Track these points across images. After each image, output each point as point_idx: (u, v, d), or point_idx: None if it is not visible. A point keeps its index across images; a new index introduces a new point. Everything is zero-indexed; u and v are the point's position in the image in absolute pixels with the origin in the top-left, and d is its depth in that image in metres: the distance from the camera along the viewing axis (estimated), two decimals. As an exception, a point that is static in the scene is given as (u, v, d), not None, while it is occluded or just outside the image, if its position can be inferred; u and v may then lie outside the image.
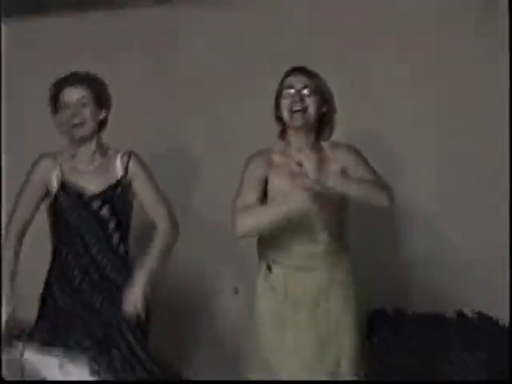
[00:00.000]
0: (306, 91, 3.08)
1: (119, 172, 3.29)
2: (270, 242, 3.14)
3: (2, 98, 4.51)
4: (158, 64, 4.50)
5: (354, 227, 3.26)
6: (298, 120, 3.07)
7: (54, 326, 3.19)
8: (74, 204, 3.21)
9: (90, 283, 3.22)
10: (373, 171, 3.11)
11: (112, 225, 3.27)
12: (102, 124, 3.29)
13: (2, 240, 3.24)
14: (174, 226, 3.33)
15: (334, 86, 3.16)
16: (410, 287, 4.33)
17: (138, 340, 3.20)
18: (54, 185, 3.25)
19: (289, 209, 2.93)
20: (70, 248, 3.23)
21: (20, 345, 3.13)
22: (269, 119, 3.21)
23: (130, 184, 3.31)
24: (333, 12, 4.27)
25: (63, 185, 3.24)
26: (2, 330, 2.97)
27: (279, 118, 3.15)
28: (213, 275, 4.40)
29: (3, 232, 3.28)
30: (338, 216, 3.11)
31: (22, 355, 3.09)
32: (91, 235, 3.22)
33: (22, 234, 3.29)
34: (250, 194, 3.05)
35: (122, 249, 3.31)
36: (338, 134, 3.20)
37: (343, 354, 3.12)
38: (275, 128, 3.19)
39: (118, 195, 3.28)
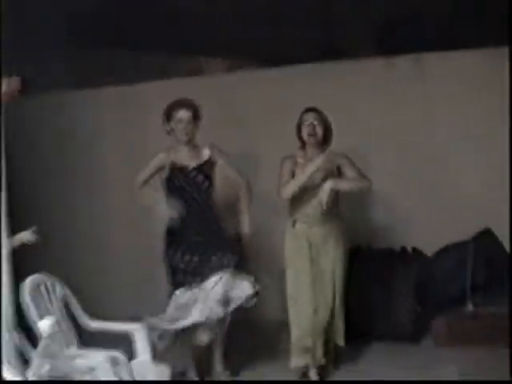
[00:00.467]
0: (316, 123, 4.96)
1: (206, 156, 5.01)
2: (294, 208, 4.99)
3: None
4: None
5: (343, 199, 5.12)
6: (311, 140, 4.97)
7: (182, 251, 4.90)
8: (179, 175, 4.95)
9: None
10: (357, 168, 4.96)
11: (204, 186, 4.98)
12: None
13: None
14: (248, 183, 5.11)
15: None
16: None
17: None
18: (169, 162, 4.95)
19: (307, 172, 4.78)
20: (180, 201, 4.90)
21: None
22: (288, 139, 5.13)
23: (214, 162, 4.99)
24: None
25: (173, 163, 4.95)
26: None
27: (300, 137, 5.02)
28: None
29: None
30: (333, 195, 4.88)
31: None
32: (192, 192, 4.94)
33: (143, 184, 5.01)
34: (286, 178, 4.90)
35: (210, 201, 5.02)
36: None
37: (336, 277, 4.95)
38: (297, 143, 5.06)
39: (208, 167, 4.99)
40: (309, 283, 4.96)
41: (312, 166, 4.86)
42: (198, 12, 6.45)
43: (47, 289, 4.17)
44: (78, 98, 7.06)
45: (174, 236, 5.00)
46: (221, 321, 4.93)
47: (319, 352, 4.94)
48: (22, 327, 3.66)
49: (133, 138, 6.86)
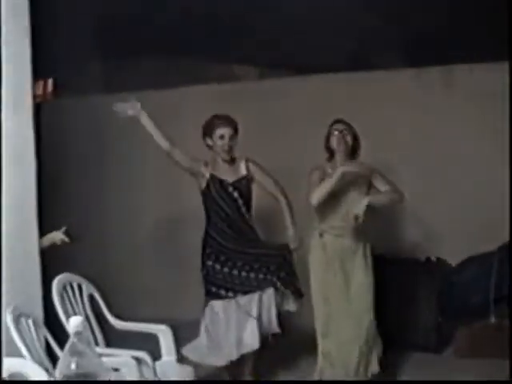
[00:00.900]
0: (345, 132, 4.96)
1: (243, 171, 5.04)
2: (322, 219, 4.98)
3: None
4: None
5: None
6: (341, 149, 4.93)
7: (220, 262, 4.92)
8: (218, 188, 4.97)
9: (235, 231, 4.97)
10: (389, 180, 4.95)
11: (239, 203, 4.97)
12: None
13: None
14: (286, 196, 5.07)
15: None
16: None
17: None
18: (207, 175, 4.95)
19: (337, 174, 4.72)
20: (217, 215, 4.98)
21: None
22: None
23: (251, 177, 5.01)
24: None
25: (212, 176, 4.97)
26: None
27: (328, 148, 5.02)
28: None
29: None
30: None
31: None
32: (228, 207, 4.97)
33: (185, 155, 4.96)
34: (315, 187, 4.84)
35: (246, 217, 5.01)
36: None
37: (365, 289, 4.89)
38: (322, 154, 5.04)
39: (243, 184, 5.00)
40: (336, 295, 4.97)
41: (341, 168, 4.84)
42: (233, 20, 6.48)
43: (74, 288, 4.22)
44: (110, 101, 7.14)
45: (212, 248, 5.04)
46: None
47: (349, 364, 4.91)
48: (48, 326, 3.71)
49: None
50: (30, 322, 3.52)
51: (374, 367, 4.95)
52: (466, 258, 6.01)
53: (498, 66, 6.11)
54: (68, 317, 3.88)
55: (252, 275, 4.94)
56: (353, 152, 5.06)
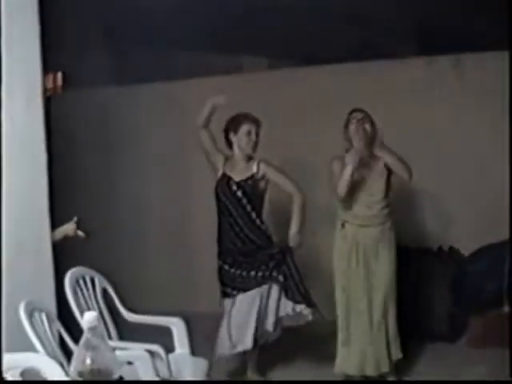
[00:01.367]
0: (364, 120, 4.91)
1: (253, 170, 5.00)
2: (344, 209, 4.97)
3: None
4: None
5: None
6: (361, 136, 4.86)
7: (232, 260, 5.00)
8: (223, 186, 4.99)
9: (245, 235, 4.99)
10: (397, 155, 4.86)
11: (243, 202, 4.97)
12: None
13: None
14: (302, 193, 5.04)
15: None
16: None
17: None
18: (219, 173, 5.02)
19: (348, 168, 4.72)
20: (223, 214, 5.04)
21: None
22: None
23: (262, 177, 4.98)
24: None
25: (223, 174, 5.01)
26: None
27: (347, 139, 4.96)
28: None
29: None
30: (384, 194, 4.92)
31: None
32: (232, 206, 4.98)
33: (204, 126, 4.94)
34: (338, 176, 4.83)
35: (251, 217, 5.00)
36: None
37: (387, 277, 4.89)
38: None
39: (249, 183, 4.98)
40: (357, 285, 4.97)
41: (353, 154, 4.82)
42: (237, 12, 6.42)
43: (87, 282, 4.21)
44: (119, 95, 7.16)
45: (220, 247, 5.11)
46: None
47: (368, 354, 4.94)
48: (61, 319, 3.70)
49: (175, 134, 6.95)
50: (44, 316, 3.51)
51: (398, 354, 4.99)
52: (479, 247, 5.98)
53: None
54: (81, 310, 3.89)
55: (252, 273, 4.98)
56: (372, 140, 5.02)
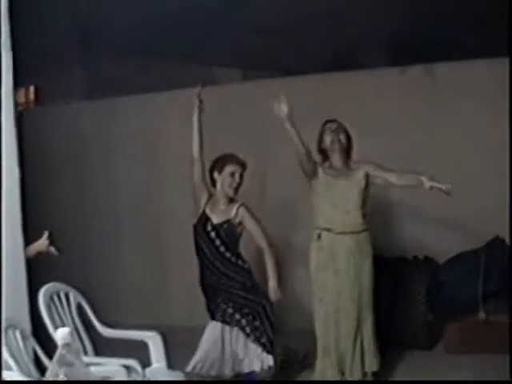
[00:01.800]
0: (338, 130, 4.90)
1: (231, 214, 4.97)
2: (319, 216, 4.91)
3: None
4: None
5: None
6: (336, 146, 4.88)
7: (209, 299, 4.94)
8: (200, 226, 4.97)
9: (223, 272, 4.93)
10: (384, 168, 4.89)
11: (215, 244, 4.95)
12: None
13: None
14: (273, 248, 4.99)
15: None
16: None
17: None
18: (200, 210, 5.00)
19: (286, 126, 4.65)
20: (198, 251, 4.99)
21: None
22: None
23: (239, 222, 4.96)
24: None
25: (203, 212, 5.00)
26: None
27: (321, 150, 4.96)
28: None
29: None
30: (360, 203, 4.86)
31: None
32: (205, 246, 4.95)
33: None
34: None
35: (228, 255, 4.96)
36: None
37: (364, 287, 4.86)
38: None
39: (225, 227, 4.95)
40: (333, 295, 4.93)
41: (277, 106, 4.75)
42: (211, 22, 6.43)
43: (61, 298, 4.17)
44: (91, 109, 7.13)
45: (200, 279, 5.09)
46: None
47: (346, 362, 4.93)
48: (36, 336, 3.67)
49: (149, 145, 6.93)
50: (18, 333, 3.48)
51: (373, 364, 4.96)
52: (454, 255, 6.01)
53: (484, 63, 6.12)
54: (56, 327, 3.84)
55: (229, 311, 4.92)
56: (346, 151, 5.03)
